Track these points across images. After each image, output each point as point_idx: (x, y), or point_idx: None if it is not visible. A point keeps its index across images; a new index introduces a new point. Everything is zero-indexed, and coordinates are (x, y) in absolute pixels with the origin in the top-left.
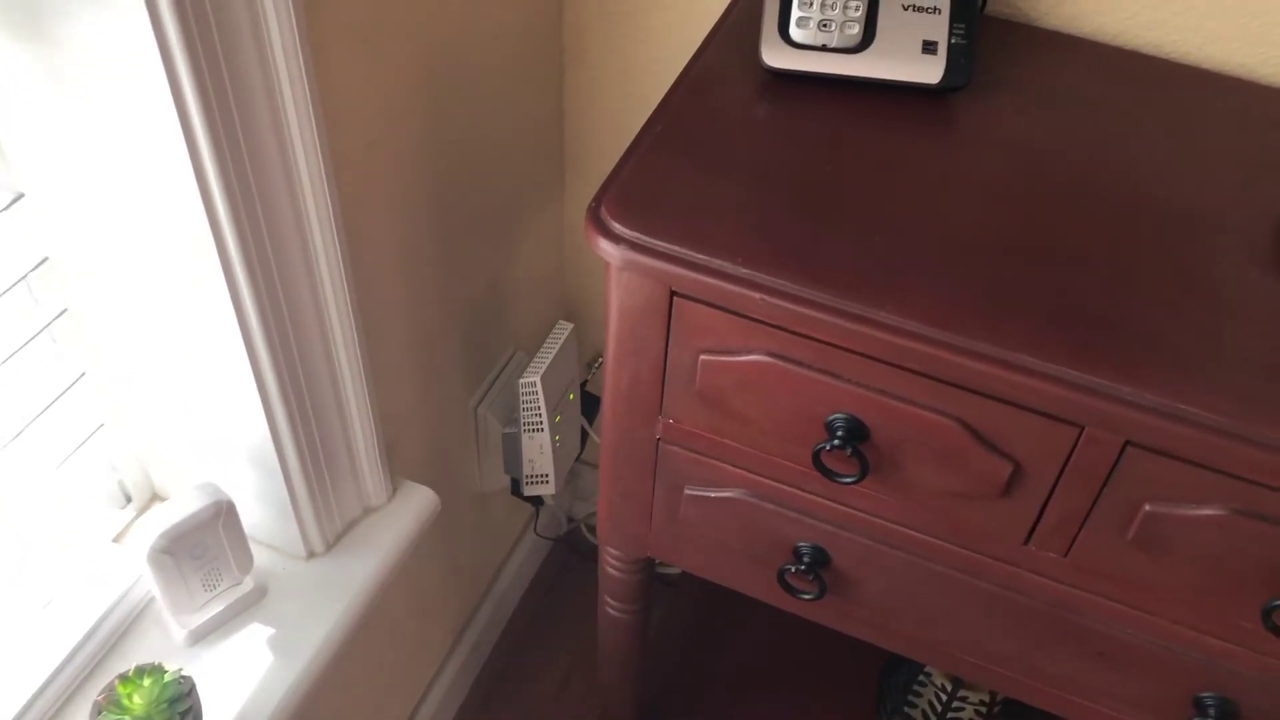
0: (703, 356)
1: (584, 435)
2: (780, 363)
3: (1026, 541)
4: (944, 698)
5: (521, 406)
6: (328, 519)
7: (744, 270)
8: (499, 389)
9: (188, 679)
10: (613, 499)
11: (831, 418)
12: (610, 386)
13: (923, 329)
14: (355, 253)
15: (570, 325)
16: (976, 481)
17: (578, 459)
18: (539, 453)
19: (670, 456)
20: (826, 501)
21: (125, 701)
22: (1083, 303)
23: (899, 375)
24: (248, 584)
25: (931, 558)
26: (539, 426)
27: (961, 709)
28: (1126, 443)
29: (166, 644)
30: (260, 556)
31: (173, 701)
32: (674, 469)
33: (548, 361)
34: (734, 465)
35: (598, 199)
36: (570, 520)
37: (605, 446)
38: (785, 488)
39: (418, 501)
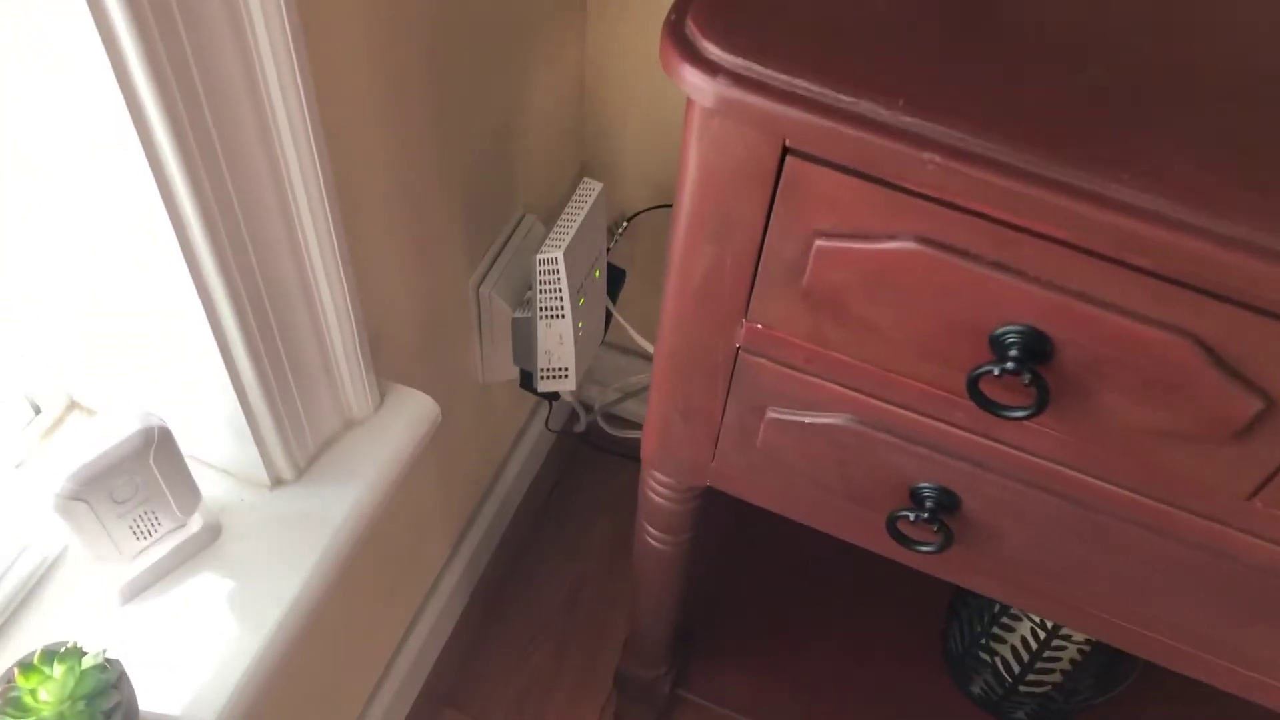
0: (819, 242)
1: (607, 316)
2: (937, 252)
3: (1251, 496)
4: (1042, 635)
5: (539, 288)
6: (297, 438)
7: (906, 119)
8: (506, 262)
9: (114, 664)
10: (667, 417)
11: (1001, 331)
12: (677, 277)
13: (1170, 208)
14: (325, 90)
15: (599, 185)
16: (1203, 420)
17: (604, 341)
18: (558, 343)
19: (753, 370)
20: (969, 435)
21: (28, 699)
22: None
23: (1115, 274)
24: (194, 524)
25: (1106, 509)
26: (559, 312)
27: (1063, 648)
28: None
29: (91, 604)
30: (212, 487)
31: (94, 697)
32: (757, 386)
33: (572, 231)
34: (844, 385)
35: (680, 7)
36: (587, 409)
37: (662, 353)
38: (914, 416)
39: (412, 411)
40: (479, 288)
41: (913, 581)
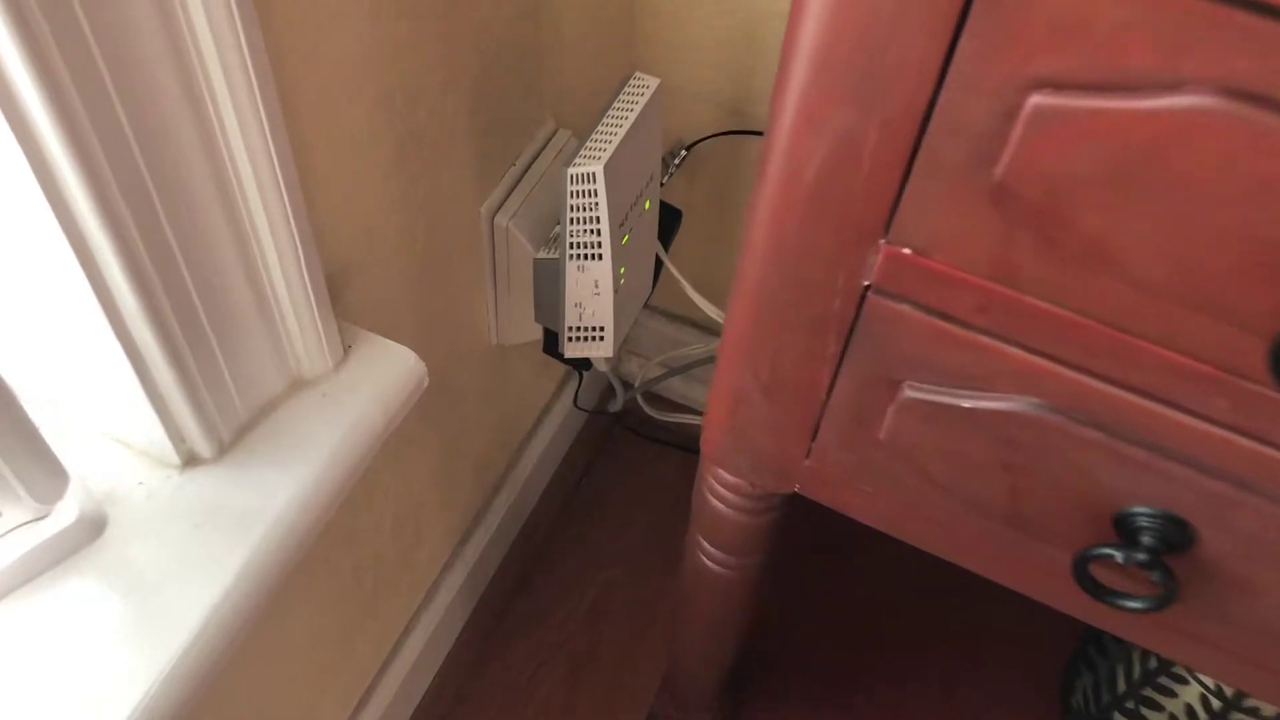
0: (1037, 98)
1: (657, 267)
2: (1257, 113)
3: None
4: (1217, 705)
5: (569, 215)
6: (217, 401)
7: None
8: (531, 187)
9: None
10: (742, 391)
11: None
12: (779, 170)
13: None
14: None
15: (654, 81)
16: None
17: (646, 304)
18: (592, 293)
19: (888, 322)
20: (1233, 436)
21: None
22: None
23: None
24: (63, 516)
25: None
26: (595, 250)
27: None
28: None
29: None
30: (95, 464)
31: None
32: (890, 347)
33: (616, 140)
34: (1037, 351)
35: None
36: (626, 385)
37: (743, 295)
38: (1146, 404)
39: (386, 368)
40: (493, 217)
41: (1029, 618)
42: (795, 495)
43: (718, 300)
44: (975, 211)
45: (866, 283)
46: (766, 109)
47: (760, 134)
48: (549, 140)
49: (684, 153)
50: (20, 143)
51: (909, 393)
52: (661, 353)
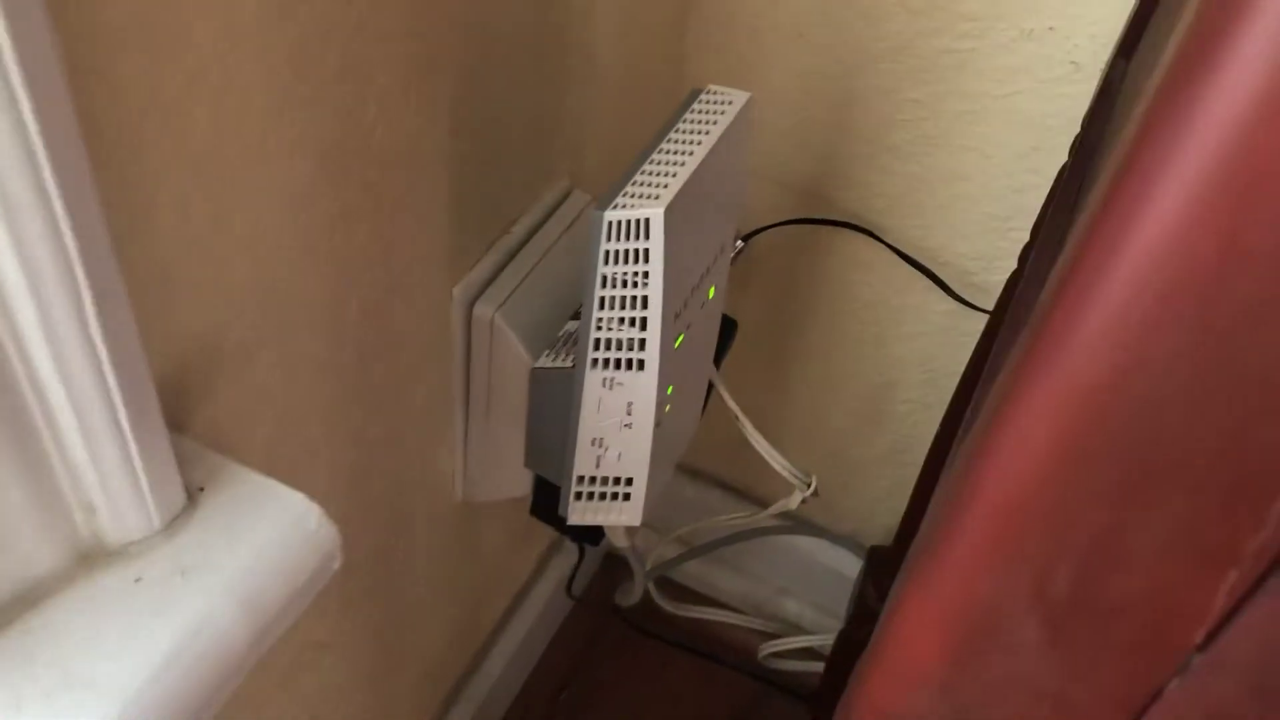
0: None
1: (706, 393)
2: None
3: None
4: None
5: (596, 295)
6: None
7: None
8: (528, 269)
9: None
10: (996, 612)
11: None
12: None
13: None
14: None
15: (743, 95)
16: None
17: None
18: (621, 425)
19: None
20: None
21: None
22: None
23: None
24: None
25: None
26: (634, 355)
27: None
28: None
29: None
30: None
31: None
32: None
33: (685, 173)
34: None
35: None
36: (654, 571)
37: (1033, 404)
38: None
39: (264, 532)
40: (472, 304)
41: None
42: None
43: (778, 446)
44: None
45: None
46: (852, 195)
47: (844, 225)
48: (560, 204)
49: (740, 244)
50: None
51: None
52: (679, 525)
